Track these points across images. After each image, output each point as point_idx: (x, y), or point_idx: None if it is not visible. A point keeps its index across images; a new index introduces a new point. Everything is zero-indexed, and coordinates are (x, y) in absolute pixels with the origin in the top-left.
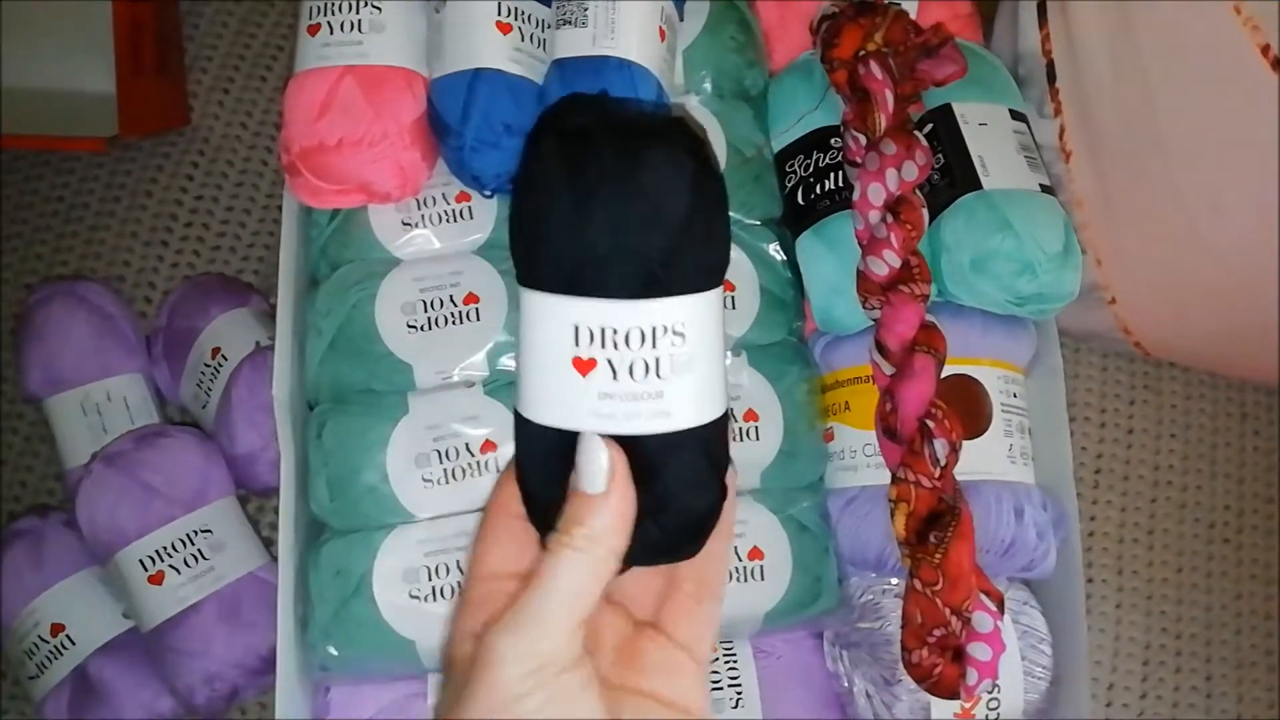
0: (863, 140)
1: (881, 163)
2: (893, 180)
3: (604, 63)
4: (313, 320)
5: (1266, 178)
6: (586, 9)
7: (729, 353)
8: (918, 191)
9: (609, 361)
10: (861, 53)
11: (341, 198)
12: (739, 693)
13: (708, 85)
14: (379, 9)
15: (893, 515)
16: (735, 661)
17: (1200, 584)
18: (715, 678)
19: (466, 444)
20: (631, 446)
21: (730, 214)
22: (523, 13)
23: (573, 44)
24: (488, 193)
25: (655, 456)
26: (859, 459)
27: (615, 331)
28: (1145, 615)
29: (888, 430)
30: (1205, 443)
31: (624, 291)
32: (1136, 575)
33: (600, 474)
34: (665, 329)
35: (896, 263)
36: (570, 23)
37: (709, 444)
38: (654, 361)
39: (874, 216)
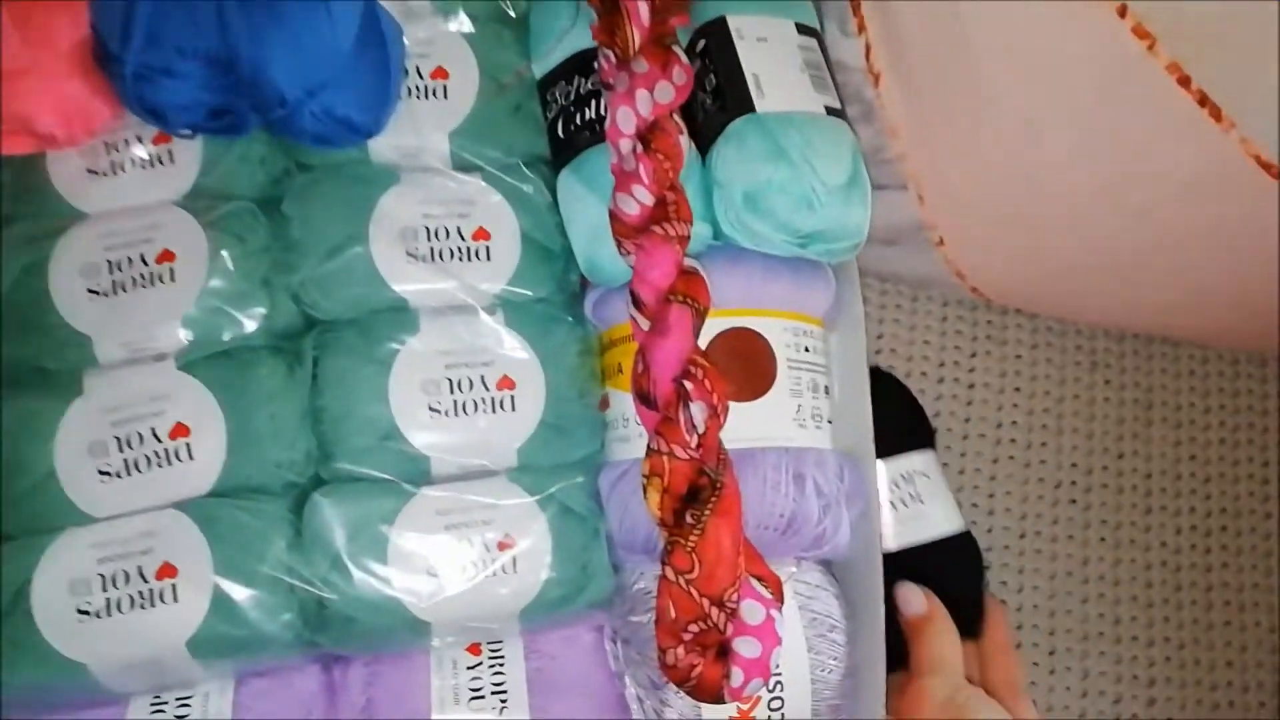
0: (614, 58)
1: (631, 83)
2: (644, 103)
3: None
4: None
5: (1085, 94)
6: None
7: (482, 312)
8: (676, 116)
9: None
10: None
11: (2, 142)
12: (503, 700)
13: (460, 7)
14: None
15: (645, 492)
16: (501, 664)
17: (1044, 550)
18: (476, 683)
19: (153, 429)
20: None
21: (486, 151)
22: None
23: None
24: (185, 132)
25: None
26: (631, 428)
27: None
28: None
29: (641, 394)
30: (1052, 395)
31: None
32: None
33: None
34: None
35: (649, 199)
36: None
37: None
38: None
39: (625, 146)
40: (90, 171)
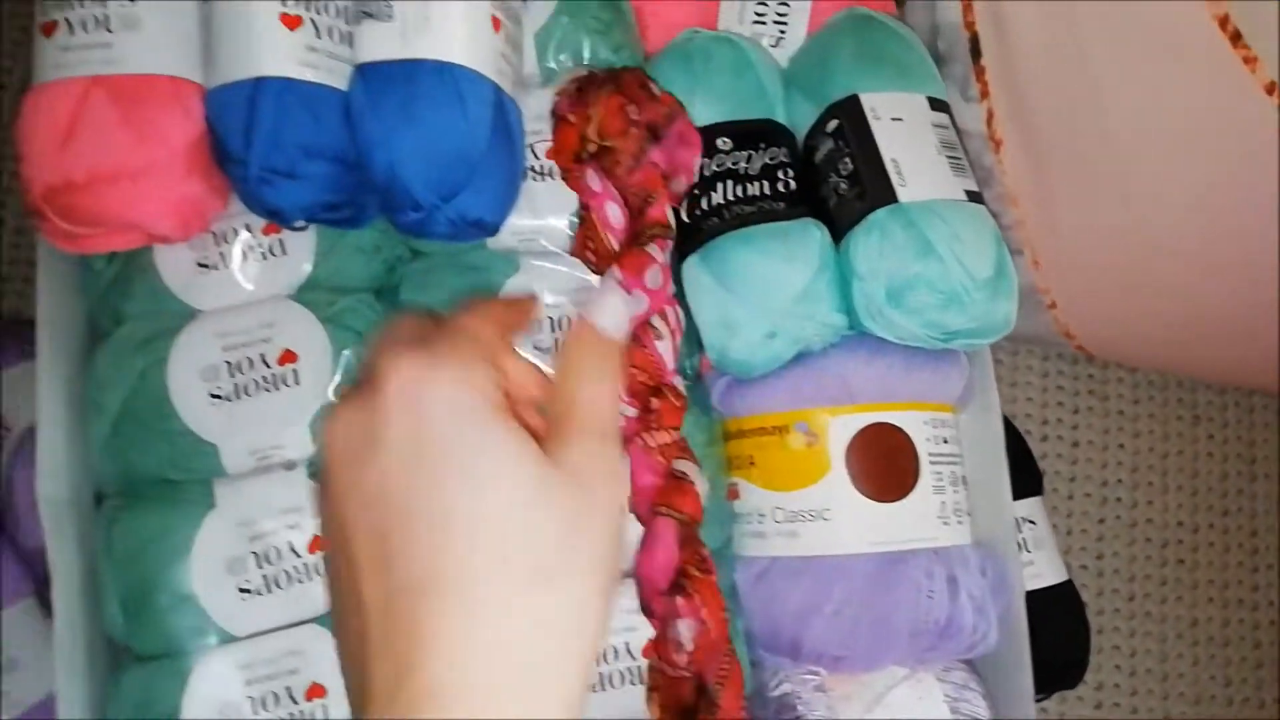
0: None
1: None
2: None
3: (416, 68)
4: (91, 394)
5: (1218, 166)
6: None
7: None
8: (654, 322)
9: None
10: (583, 155)
11: (108, 240)
12: None
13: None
14: None
15: (647, 702)
16: None
17: (1154, 611)
18: None
19: (290, 543)
20: None
21: None
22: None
23: (378, 43)
24: (299, 224)
25: None
26: (768, 524)
27: None
28: (1095, 651)
29: (642, 606)
30: (1156, 451)
31: None
32: (1085, 605)
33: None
34: None
35: (631, 413)
36: (373, 15)
37: None
38: None
39: None
40: (201, 265)
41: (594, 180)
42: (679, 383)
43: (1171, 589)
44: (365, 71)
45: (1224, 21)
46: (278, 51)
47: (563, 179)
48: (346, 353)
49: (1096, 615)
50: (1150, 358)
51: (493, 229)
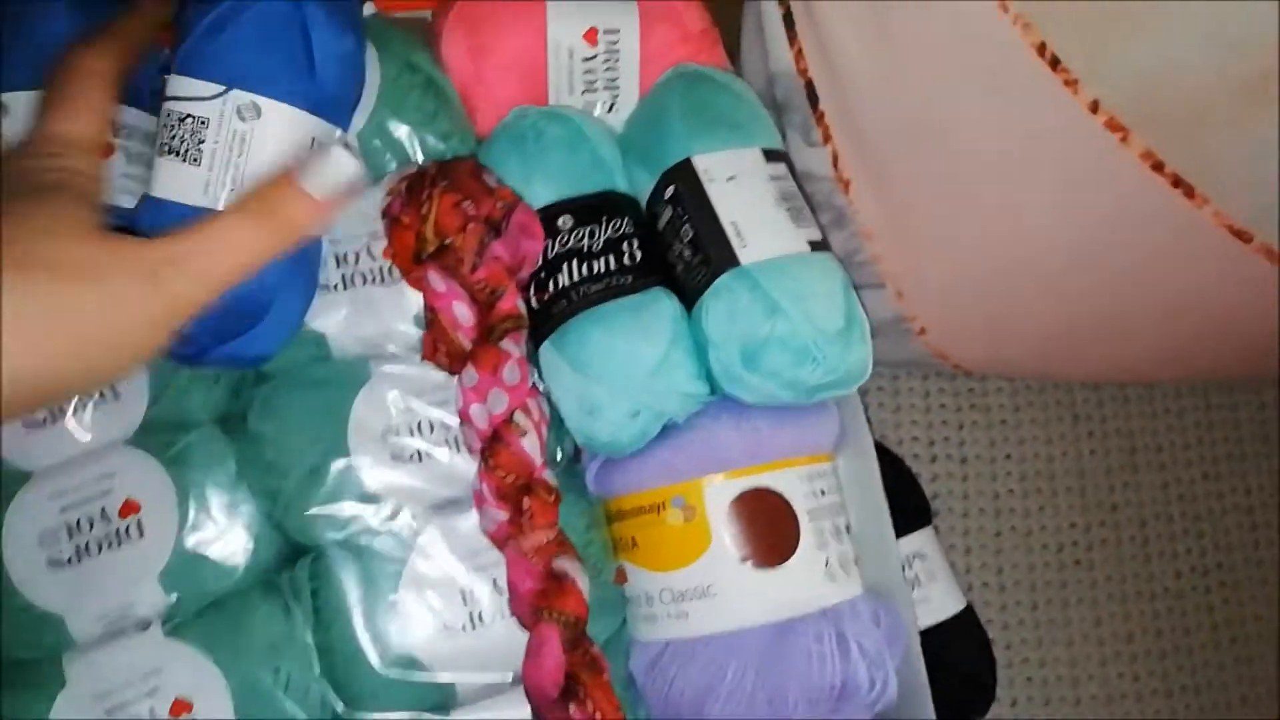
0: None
1: (464, 399)
2: (480, 418)
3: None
4: None
5: (1060, 179)
6: (202, 142)
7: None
8: (517, 419)
9: None
10: (423, 255)
11: None
12: None
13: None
14: None
15: None
16: None
17: (1058, 617)
18: None
19: (151, 709)
20: None
21: None
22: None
23: (178, 184)
24: None
25: None
26: (658, 606)
27: None
28: (1006, 666)
29: (535, 717)
30: (1041, 456)
31: None
32: (990, 622)
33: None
34: None
35: (502, 516)
36: (177, 154)
37: None
38: None
39: (476, 463)
40: (27, 426)
41: (437, 281)
42: (550, 476)
43: (1072, 591)
44: (160, 207)
45: (1041, 49)
46: None
47: (404, 279)
48: (193, 493)
49: (1002, 630)
50: (1025, 368)
51: (265, 362)
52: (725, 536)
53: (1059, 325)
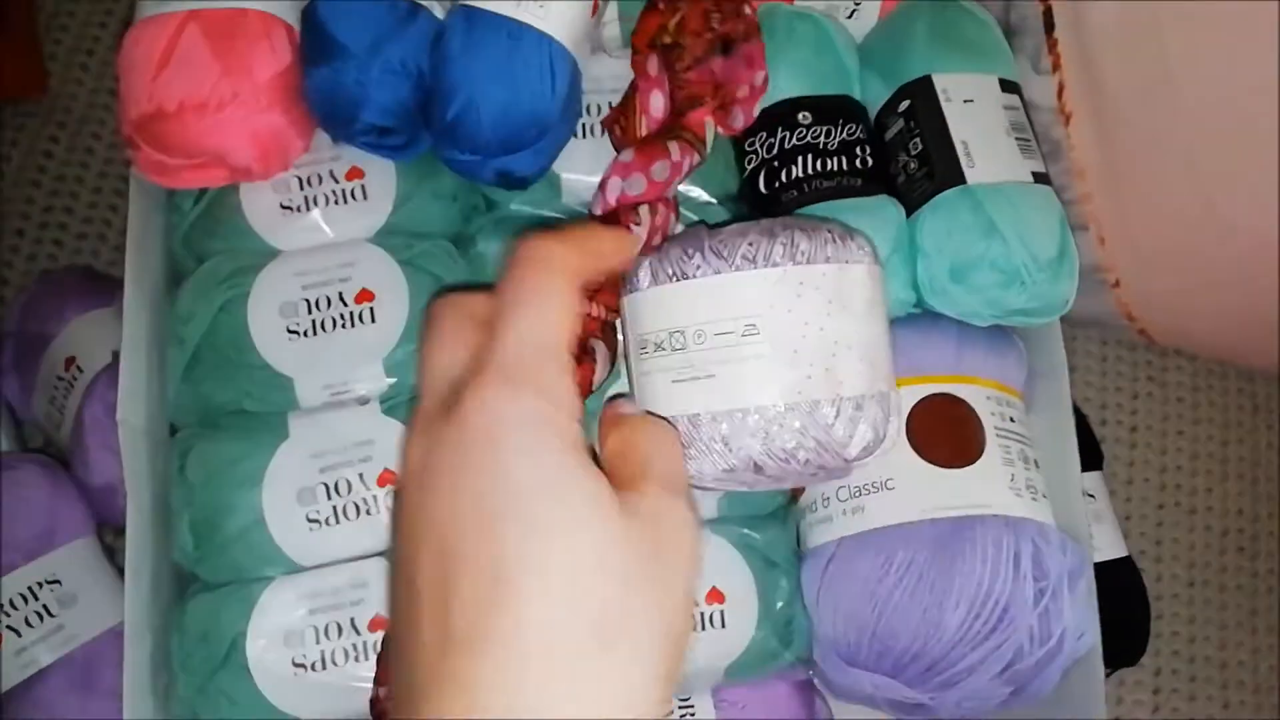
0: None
1: (611, 169)
2: (613, 190)
3: (523, 31)
4: (173, 327)
5: None
6: None
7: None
8: (640, 210)
9: None
10: (656, 43)
11: (196, 174)
12: None
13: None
14: None
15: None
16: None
17: (1213, 599)
18: None
19: (360, 475)
20: None
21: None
22: None
23: None
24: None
25: None
26: (834, 506)
27: None
28: (1155, 636)
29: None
30: (1216, 439)
31: None
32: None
33: None
34: None
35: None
36: None
37: None
38: None
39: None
40: (284, 207)
41: (654, 66)
42: None
43: (1231, 577)
44: (470, 14)
45: None
46: None
47: (631, 59)
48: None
49: (1155, 601)
50: (1212, 345)
51: (526, 185)
52: (907, 435)
53: (1260, 310)
